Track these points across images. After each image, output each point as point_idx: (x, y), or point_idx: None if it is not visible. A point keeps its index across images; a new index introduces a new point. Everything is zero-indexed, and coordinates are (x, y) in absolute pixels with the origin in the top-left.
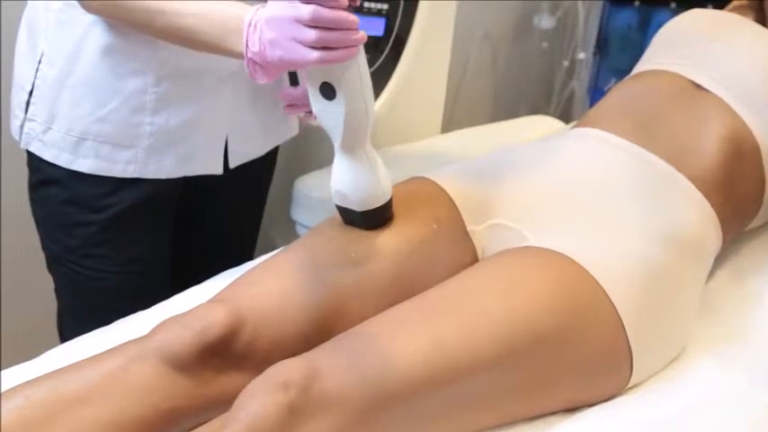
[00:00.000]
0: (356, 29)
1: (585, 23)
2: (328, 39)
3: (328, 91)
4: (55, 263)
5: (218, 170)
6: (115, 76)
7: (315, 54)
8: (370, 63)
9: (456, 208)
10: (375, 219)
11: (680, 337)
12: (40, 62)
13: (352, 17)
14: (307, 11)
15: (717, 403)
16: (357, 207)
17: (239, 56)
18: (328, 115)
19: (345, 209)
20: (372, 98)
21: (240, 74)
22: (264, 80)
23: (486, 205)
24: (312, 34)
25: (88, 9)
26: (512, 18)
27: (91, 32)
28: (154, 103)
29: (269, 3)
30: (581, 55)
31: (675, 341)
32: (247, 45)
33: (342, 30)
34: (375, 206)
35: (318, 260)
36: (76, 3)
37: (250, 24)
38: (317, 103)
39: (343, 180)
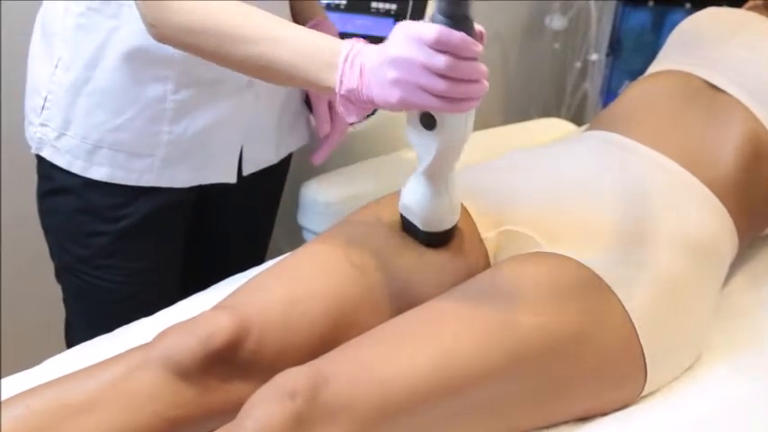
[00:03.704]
0: (484, 80)
1: (598, 24)
2: (457, 91)
3: (429, 121)
4: (64, 272)
5: (232, 178)
6: (135, 84)
7: (439, 103)
8: None
9: (469, 214)
10: (436, 240)
11: (695, 344)
12: (56, 66)
13: (483, 67)
14: (442, 61)
15: (733, 411)
16: (422, 226)
17: (327, 91)
18: (422, 142)
19: (409, 221)
20: (470, 133)
21: (257, 81)
22: (355, 118)
23: (498, 210)
24: (442, 86)
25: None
26: (523, 18)
27: (112, 39)
28: (173, 112)
29: (393, 40)
30: (594, 56)
31: (690, 348)
32: (342, 81)
33: (471, 82)
34: (440, 230)
35: (326, 267)
36: (99, 6)
37: (347, 60)
38: (413, 129)
39: (416, 198)
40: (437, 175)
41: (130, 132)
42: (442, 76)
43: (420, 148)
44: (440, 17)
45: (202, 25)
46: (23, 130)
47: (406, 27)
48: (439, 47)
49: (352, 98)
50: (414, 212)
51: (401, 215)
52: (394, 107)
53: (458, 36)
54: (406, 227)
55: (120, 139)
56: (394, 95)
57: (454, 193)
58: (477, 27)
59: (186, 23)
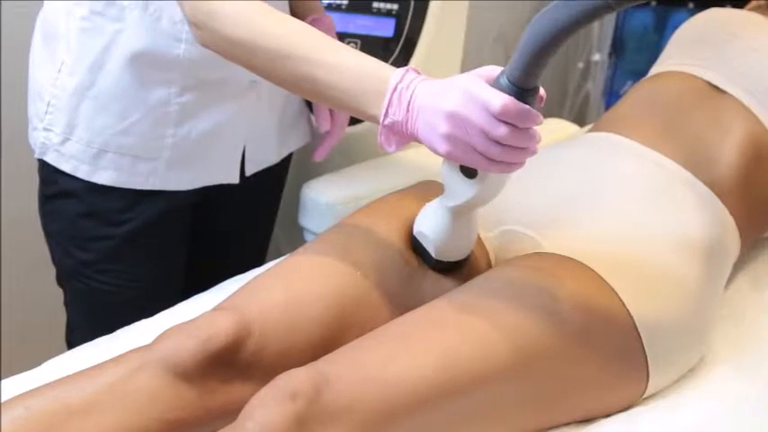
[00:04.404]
0: (536, 145)
1: (601, 24)
2: (508, 156)
3: (471, 171)
4: (67, 276)
5: (235, 179)
6: (139, 87)
7: (488, 165)
8: None
9: None
10: (446, 268)
11: (698, 346)
12: (60, 71)
13: (537, 133)
14: (502, 132)
15: (736, 412)
16: (435, 254)
17: (371, 119)
18: (457, 186)
19: (422, 246)
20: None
21: (259, 82)
22: (394, 149)
23: (499, 211)
24: (496, 152)
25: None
26: (525, 18)
27: (116, 42)
28: (177, 115)
29: (454, 92)
30: (596, 56)
31: (693, 349)
32: (387, 113)
33: (524, 149)
34: (452, 260)
35: (326, 268)
36: (102, 9)
37: (395, 90)
38: (450, 171)
39: (433, 226)
40: (463, 215)
41: (135, 136)
42: (498, 142)
43: (453, 188)
44: (507, 83)
45: (249, 40)
46: (23, 134)
47: (471, 85)
48: (502, 117)
49: (395, 130)
50: (429, 240)
51: (413, 237)
52: (438, 154)
53: (524, 110)
54: (417, 250)
55: (125, 142)
56: (442, 147)
57: (475, 227)
58: (540, 91)
59: (232, 35)
